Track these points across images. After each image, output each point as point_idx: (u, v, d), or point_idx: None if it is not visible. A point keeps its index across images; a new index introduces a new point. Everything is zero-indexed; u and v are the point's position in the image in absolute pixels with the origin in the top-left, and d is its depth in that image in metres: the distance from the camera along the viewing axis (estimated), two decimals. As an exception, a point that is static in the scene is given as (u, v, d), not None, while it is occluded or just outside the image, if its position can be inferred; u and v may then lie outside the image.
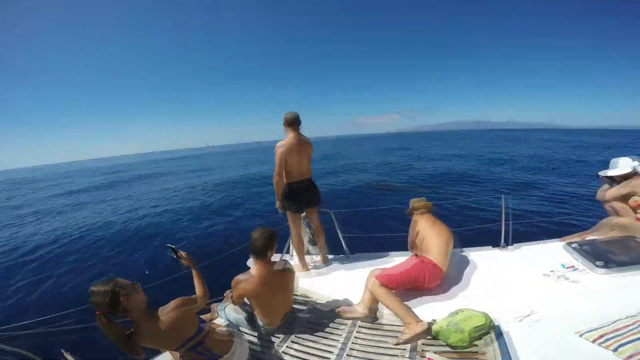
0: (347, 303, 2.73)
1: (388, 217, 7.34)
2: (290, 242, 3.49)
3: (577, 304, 2.27)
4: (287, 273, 2.44)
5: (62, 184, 31.41)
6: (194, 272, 2.13)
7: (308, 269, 3.49)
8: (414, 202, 3.05)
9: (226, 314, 2.59)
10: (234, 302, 2.50)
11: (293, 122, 3.24)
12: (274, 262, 2.43)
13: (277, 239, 2.43)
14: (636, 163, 3.11)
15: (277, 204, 3.39)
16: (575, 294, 2.38)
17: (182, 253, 2.17)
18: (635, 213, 3.07)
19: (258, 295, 2.32)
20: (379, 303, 2.46)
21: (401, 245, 3.53)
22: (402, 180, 14.85)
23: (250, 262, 3.81)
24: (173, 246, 2.18)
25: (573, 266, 2.72)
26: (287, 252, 3.78)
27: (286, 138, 3.22)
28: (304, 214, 3.49)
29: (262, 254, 2.32)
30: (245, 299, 2.45)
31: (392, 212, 7.32)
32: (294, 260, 3.58)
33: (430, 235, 2.72)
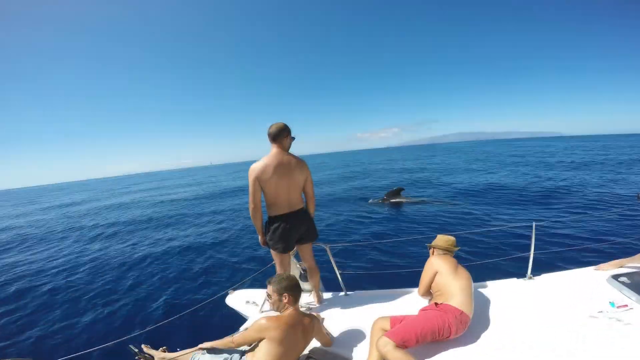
0: (348, 357, 2.24)
1: (388, 251, 6.56)
2: None
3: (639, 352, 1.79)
4: (313, 321, 2.21)
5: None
6: None
7: None
8: (440, 240, 2.63)
9: None
10: (235, 344, 2.14)
11: (276, 136, 2.58)
12: (303, 312, 2.26)
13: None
14: None
15: (260, 240, 2.82)
16: (635, 341, 1.88)
17: (154, 353, 1.79)
18: None
19: (278, 342, 1.94)
20: None
21: (403, 282, 3.07)
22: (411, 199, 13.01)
23: (230, 300, 3.28)
24: (135, 349, 1.75)
25: (626, 305, 2.20)
26: None
27: (265, 157, 2.61)
28: (294, 249, 2.95)
29: (297, 299, 2.21)
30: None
31: (392, 246, 6.66)
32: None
33: (452, 280, 2.29)
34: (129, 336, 2.33)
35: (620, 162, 21.67)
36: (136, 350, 1.84)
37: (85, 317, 5.15)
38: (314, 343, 2.37)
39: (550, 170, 19.87)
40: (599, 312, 2.19)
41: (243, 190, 24.01)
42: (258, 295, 3.30)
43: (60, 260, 8.96)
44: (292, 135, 2.71)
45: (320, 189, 18.71)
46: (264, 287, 3.27)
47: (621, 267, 2.80)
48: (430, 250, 2.70)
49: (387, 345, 1.89)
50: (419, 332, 1.99)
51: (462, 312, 2.10)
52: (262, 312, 2.98)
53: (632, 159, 22.96)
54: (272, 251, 2.78)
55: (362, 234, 8.65)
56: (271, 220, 2.70)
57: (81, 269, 7.85)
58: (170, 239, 10.21)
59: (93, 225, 14.69)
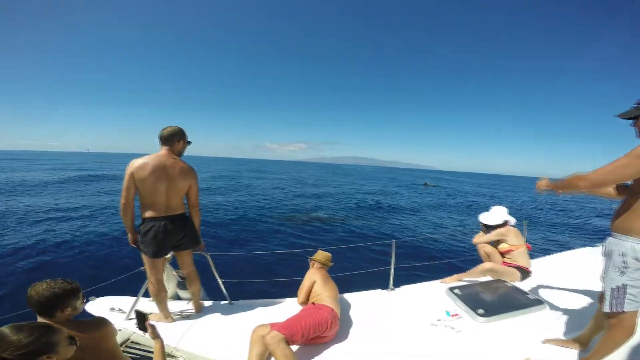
0: None
1: (273, 262, 6.66)
2: (148, 287, 2.70)
3: (464, 356, 2.24)
4: (96, 330, 1.62)
5: None
6: (157, 345, 1.74)
7: (174, 320, 2.74)
8: (320, 255, 2.98)
9: None
10: None
11: (166, 139, 2.52)
12: (78, 321, 1.62)
13: (77, 296, 1.61)
14: (510, 217, 3.58)
15: (129, 238, 2.59)
16: (462, 345, 2.36)
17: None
18: (503, 257, 3.43)
19: None
20: None
21: (285, 292, 3.25)
22: (292, 212, 13.35)
23: (92, 307, 2.91)
24: (143, 312, 1.84)
25: (457, 314, 2.75)
26: (146, 295, 2.96)
27: (149, 155, 2.48)
28: (170, 255, 2.79)
29: (45, 314, 1.53)
30: None
31: (277, 257, 6.83)
32: (154, 307, 2.80)
33: (324, 289, 2.65)
34: None
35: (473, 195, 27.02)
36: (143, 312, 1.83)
37: None
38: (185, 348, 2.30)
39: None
40: (438, 320, 2.67)
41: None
42: (123, 302, 3.01)
43: None
44: (189, 140, 2.67)
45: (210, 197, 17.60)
46: (130, 293, 3.03)
47: (459, 280, 3.48)
48: (311, 263, 2.97)
49: (278, 340, 1.97)
50: (304, 326, 2.18)
51: (333, 309, 2.44)
52: (130, 319, 2.71)
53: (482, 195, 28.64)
54: (142, 255, 2.57)
55: (249, 243, 8.55)
56: (144, 221, 2.52)
57: None
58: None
59: None
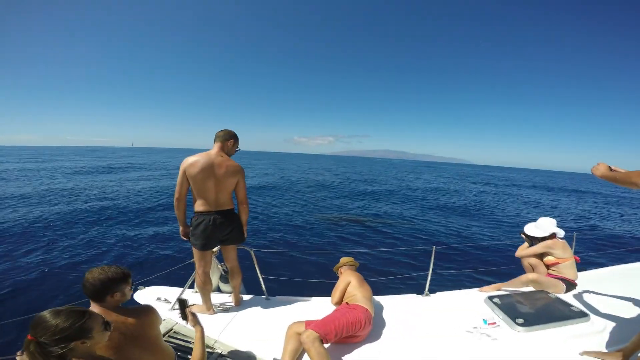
0: (261, 357, 2.34)
1: (310, 261, 6.74)
2: (194, 279, 2.89)
3: None
4: (141, 317, 1.69)
5: None
6: (197, 334, 1.81)
7: (214, 312, 2.91)
8: (344, 259, 3.12)
9: None
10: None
11: (219, 138, 2.74)
12: (125, 308, 1.70)
13: (127, 281, 1.71)
14: (558, 229, 3.41)
15: (181, 230, 2.82)
16: (498, 354, 2.31)
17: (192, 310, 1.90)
18: (548, 269, 3.28)
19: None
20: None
21: (321, 291, 3.33)
22: (332, 213, 13.20)
23: (140, 296, 3.15)
24: (185, 298, 1.93)
25: (495, 323, 2.69)
26: (191, 287, 3.16)
27: (201, 153, 2.70)
28: (216, 248, 2.95)
29: (97, 298, 1.62)
30: None
31: (314, 256, 6.95)
32: (197, 298, 3.00)
33: (359, 290, 2.70)
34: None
35: (517, 195, 25.05)
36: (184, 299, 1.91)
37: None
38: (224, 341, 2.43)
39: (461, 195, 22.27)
40: (474, 327, 2.62)
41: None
42: (170, 292, 3.22)
43: None
44: (239, 146, 2.88)
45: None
46: (177, 284, 3.25)
47: (498, 290, 3.37)
48: (339, 271, 3.08)
49: (313, 339, 2.05)
50: (337, 326, 2.24)
51: (367, 310, 2.49)
52: (174, 309, 2.92)
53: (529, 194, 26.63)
54: (192, 248, 2.77)
55: (290, 242, 8.71)
56: (196, 215, 2.72)
57: None
58: (73, 222, 9.15)
59: None
